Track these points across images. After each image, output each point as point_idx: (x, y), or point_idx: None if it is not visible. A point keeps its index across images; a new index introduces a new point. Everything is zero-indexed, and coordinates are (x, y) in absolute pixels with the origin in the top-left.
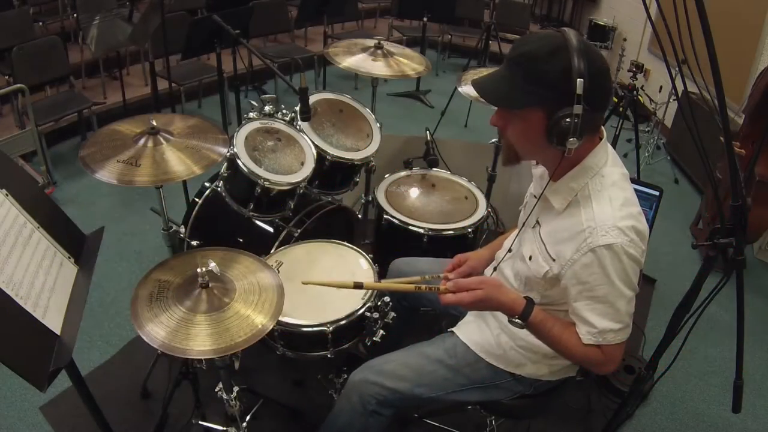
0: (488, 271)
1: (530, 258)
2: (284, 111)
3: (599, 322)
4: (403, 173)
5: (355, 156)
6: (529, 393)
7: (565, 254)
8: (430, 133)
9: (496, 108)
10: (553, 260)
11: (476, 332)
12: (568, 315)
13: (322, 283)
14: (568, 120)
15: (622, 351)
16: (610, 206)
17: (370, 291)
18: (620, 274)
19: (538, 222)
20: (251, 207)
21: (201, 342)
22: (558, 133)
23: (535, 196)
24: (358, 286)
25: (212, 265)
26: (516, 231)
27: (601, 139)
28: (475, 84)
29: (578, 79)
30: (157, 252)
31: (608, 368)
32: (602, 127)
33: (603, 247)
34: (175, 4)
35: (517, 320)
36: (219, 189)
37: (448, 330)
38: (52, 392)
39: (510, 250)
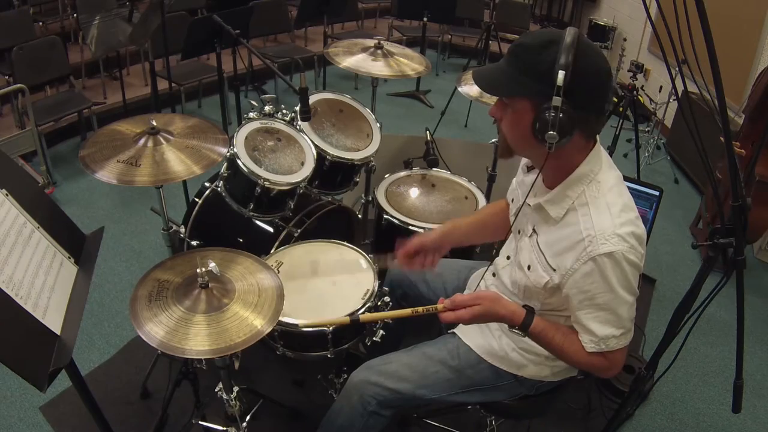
0: (488, 277)
1: (529, 267)
2: (284, 111)
3: (601, 330)
4: (403, 173)
5: (355, 156)
6: (530, 394)
7: (566, 264)
8: (430, 133)
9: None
10: (554, 270)
11: (478, 334)
12: (569, 321)
13: (319, 324)
14: (547, 115)
15: (624, 355)
16: (608, 213)
17: (370, 292)
18: (621, 281)
19: (534, 231)
20: (251, 207)
21: (200, 342)
22: (542, 128)
23: (529, 204)
24: (354, 320)
25: (212, 265)
26: (510, 238)
27: (595, 144)
28: (474, 72)
29: (560, 72)
30: (156, 252)
31: (611, 373)
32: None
33: (603, 256)
34: (175, 4)
35: (517, 330)
36: (219, 189)
37: (450, 331)
38: (52, 392)
39: (508, 257)
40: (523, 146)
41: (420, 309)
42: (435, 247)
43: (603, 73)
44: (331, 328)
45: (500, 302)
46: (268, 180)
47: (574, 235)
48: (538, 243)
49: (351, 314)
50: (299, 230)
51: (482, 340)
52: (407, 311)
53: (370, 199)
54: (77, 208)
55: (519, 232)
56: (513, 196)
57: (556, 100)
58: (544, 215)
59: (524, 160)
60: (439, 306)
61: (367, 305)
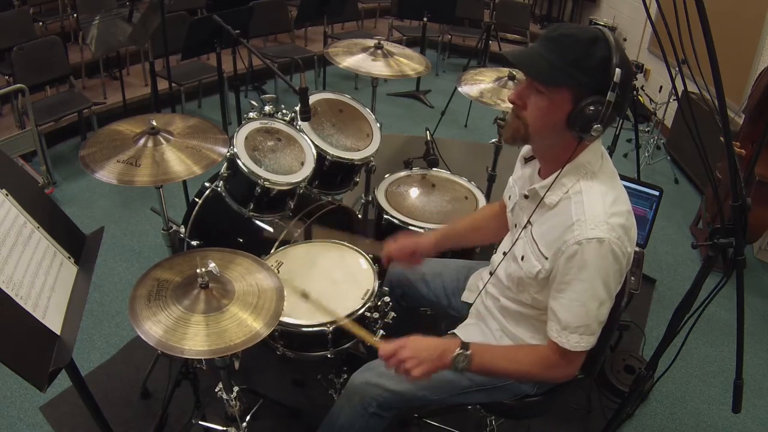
0: (486, 276)
1: (522, 258)
2: (284, 111)
3: (565, 318)
4: (403, 173)
5: (355, 156)
6: (531, 393)
7: (555, 249)
8: (430, 133)
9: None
10: (546, 259)
11: (478, 334)
12: None
13: (324, 308)
14: (592, 108)
15: (582, 359)
16: (601, 202)
17: (370, 292)
18: (602, 271)
19: (529, 222)
20: (251, 207)
21: (199, 342)
22: (582, 120)
23: (525, 196)
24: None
25: (211, 265)
26: (507, 234)
27: None
28: (510, 55)
29: (617, 69)
30: (156, 252)
31: (564, 374)
32: None
33: (589, 240)
34: (175, 4)
35: (460, 351)
36: (219, 189)
37: (450, 332)
38: (52, 392)
39: (504, 253)
40: (548, 134)
41: (374, 341)
42: (427, 252)
43: (632, 73)
44: (331, 327)
45: (427, 337)
46: (268, 180)
47: (566, 221)
48: (532, 234)
49: (349, 314)
50: (299, 230)
51: (482, 340)
52: (366, 336)
53: (370, 199)
54: (77, 208)
55: (515, 226)
56: (510, 193)
57: (611, 96)
58: (539, 204)
59: (522, 152)
60: (380, 342)
61: (367, 305)
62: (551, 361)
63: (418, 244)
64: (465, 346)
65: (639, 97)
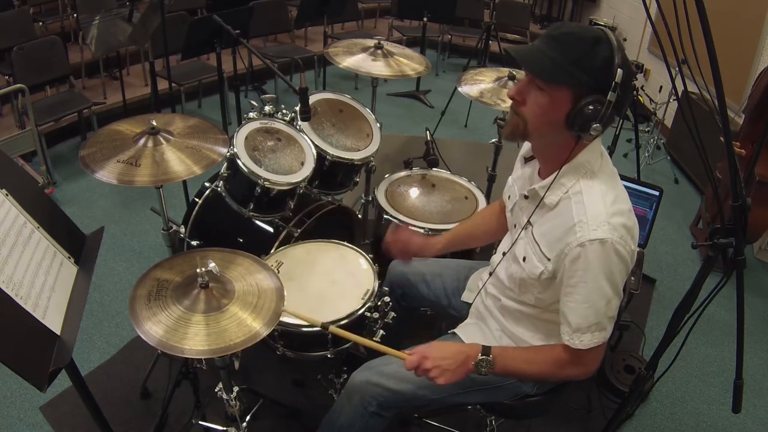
0: (486, 276)
1: (524, 259)
2: (284, 111)
3: (575, 320)
4: (403, 173)
5: (355, 156)
6: (531, 393)
7: (558, 250)
8: (430, 133)
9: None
10: (548, 260)
11: (478, 334)
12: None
13: (294, 314)
14: (591, 107)
15: (599, 356)
16: (602, 202)
17: (370, 292)
18: (606, 271)
19: (529, 222)
20: (251, 207)
21: (199, 342)
22: (581, 119)
23: (525, 196)
24: (324, 327)
25: (211, 265)
26: (507, 234)
27: None
28: (512, 51)
29: (619, 70)
30: (156, 252)
31: (581, 372)
32: None
33: (592, 242)
34: (175, 4)
35: (483, 356)
36: (219, 189)
37: (450, 331)
38: (52, 392)
39: (503, 254)
40: (546, 132)
41: (391, 350)
42: (431, 254)
43: (632, 75)
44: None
45: (453, 342)
46: (268, 180)
47: (567, 222)
48: (533, 234)
49: (331, 322)
50: (299, 230)
51: (482, 340)
52: (374, 344)
53: (370, 199)
54: (77, 208)
55: (515, 226)
56: (510, 193)
57: (612, 96)
58: (539, 204)
59: (522, 151)
60: (405, 354)
61: (367, 305)
62: (567, 362)
63: (423, 249)
64: (486, 351)
65: (639, 97)
